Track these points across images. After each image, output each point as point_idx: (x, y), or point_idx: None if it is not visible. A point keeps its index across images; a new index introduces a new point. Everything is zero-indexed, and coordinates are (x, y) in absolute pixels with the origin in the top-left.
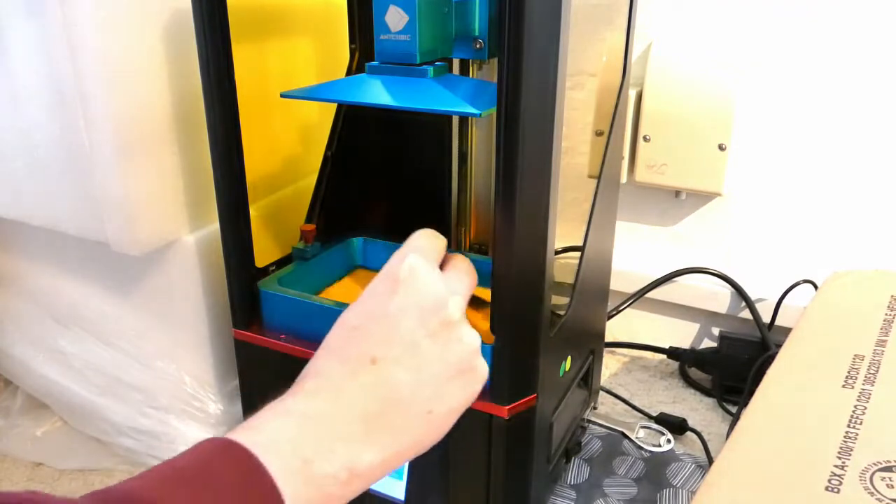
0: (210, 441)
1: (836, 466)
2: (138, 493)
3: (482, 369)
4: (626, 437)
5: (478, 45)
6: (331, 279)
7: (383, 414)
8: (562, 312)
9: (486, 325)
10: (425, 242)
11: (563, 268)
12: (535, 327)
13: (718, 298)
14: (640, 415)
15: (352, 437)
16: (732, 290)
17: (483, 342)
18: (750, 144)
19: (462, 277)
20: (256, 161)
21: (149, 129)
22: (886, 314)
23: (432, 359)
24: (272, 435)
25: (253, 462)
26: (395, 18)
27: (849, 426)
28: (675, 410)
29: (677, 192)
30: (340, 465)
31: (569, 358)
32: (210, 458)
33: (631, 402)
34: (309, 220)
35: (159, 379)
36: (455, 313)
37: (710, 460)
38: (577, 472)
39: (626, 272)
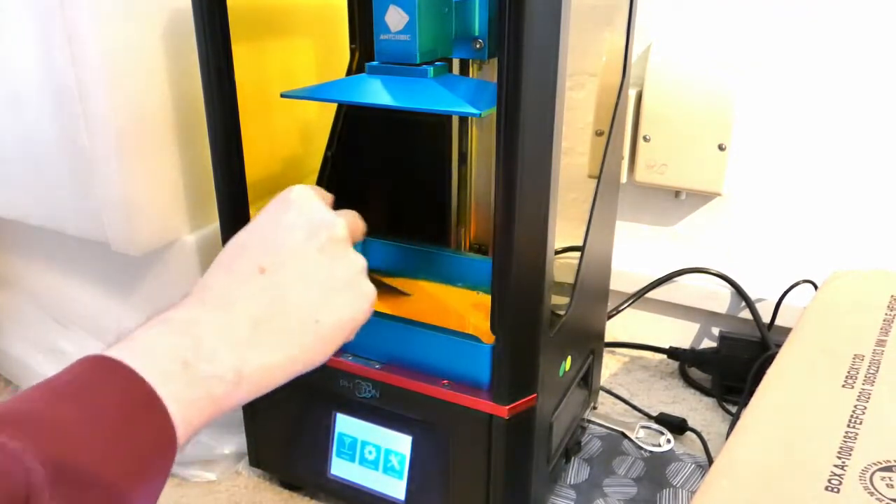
0: (83, 359)
1: (836, 466)
2: (24, 408)
3: (369, 289)
4: (626, 437)
5: (478, 45)
6: None
7: (272, 318)
8: (562, 312)
9: (486, 324)
10: (314, 189)
11: (563, 268)
12: (535, 327)
13: (718, 298)
14: (640, 415)
15: (239, 341)
16: (732, 290)
17: (483, 342)
18: (750, 144)
19: (349, 214)
20: (256, 161)
21: (149, 128)
22: (886, 314)
23: (320, 269)
24: (147, 343)
25: (127, 371)
26: (395, 18)
27: (849, 426)
28: (675, 410)
29: (677, 192)
30: (227, 368)
31: (569, 358)
32: (84, 373)
33: (631, 401)
34: None
35: None
36: (342, 232)
37: (710, 460)
38: (577, 472)
39: (626, 272)
